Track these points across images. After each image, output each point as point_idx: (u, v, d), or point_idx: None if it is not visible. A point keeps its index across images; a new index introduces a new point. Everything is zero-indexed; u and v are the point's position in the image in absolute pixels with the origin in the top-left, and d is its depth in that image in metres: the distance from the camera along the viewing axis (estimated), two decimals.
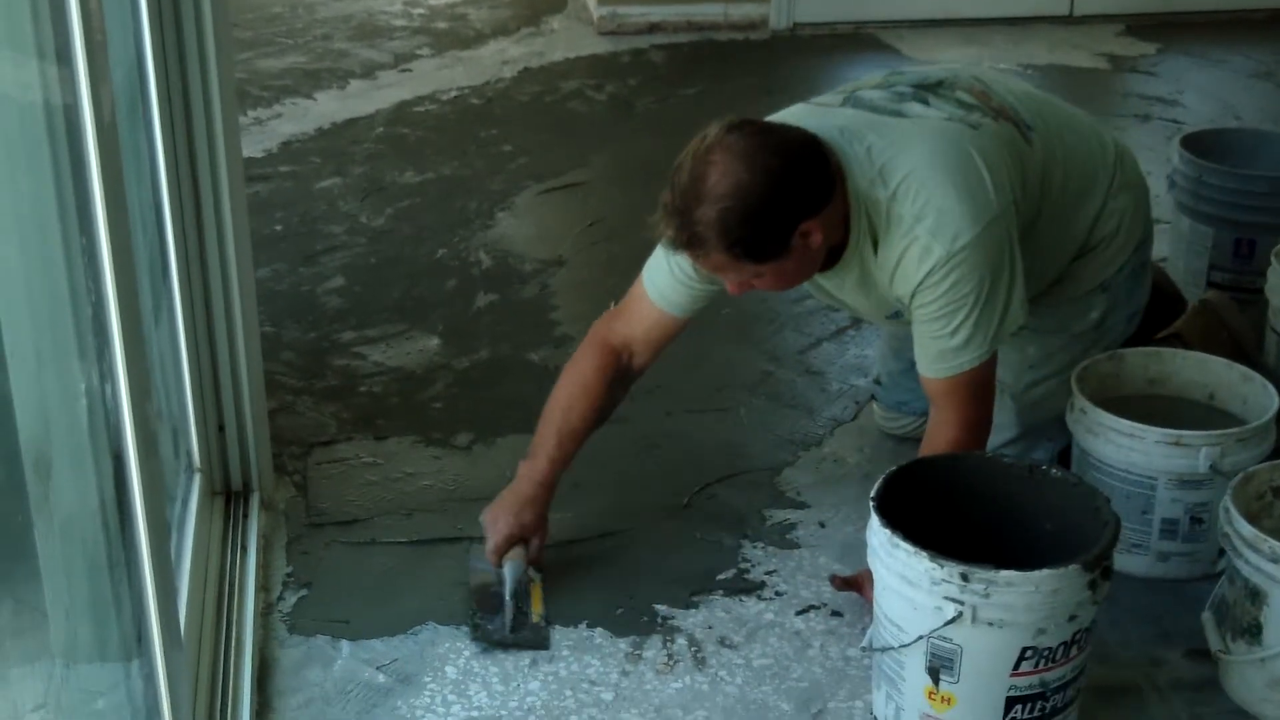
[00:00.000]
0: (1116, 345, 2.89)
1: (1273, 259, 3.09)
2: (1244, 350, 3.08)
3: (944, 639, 2.17)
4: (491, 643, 2.55)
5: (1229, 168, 3.52)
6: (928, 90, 2.64)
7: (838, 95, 2.70)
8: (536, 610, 2.62)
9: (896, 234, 2.48)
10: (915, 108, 2.60)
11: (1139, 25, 5.94)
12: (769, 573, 2.73)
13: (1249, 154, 3.64)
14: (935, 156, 2.50)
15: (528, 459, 2.72)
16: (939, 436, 2.58)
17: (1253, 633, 2.35)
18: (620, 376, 2.76)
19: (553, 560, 2.76)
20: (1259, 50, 5.69)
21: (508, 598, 2.59)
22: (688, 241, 2.39)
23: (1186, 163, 3.56)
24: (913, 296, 2.52)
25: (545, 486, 2.69)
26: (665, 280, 2.68)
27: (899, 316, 2.65)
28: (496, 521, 2.66)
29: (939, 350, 2.54)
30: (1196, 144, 3.62)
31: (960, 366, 2.53)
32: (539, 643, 2.56)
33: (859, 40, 5.81)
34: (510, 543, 2.64)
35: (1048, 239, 2.71)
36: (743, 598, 2.67)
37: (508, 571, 2.61)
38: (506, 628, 2.57)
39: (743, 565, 2.76)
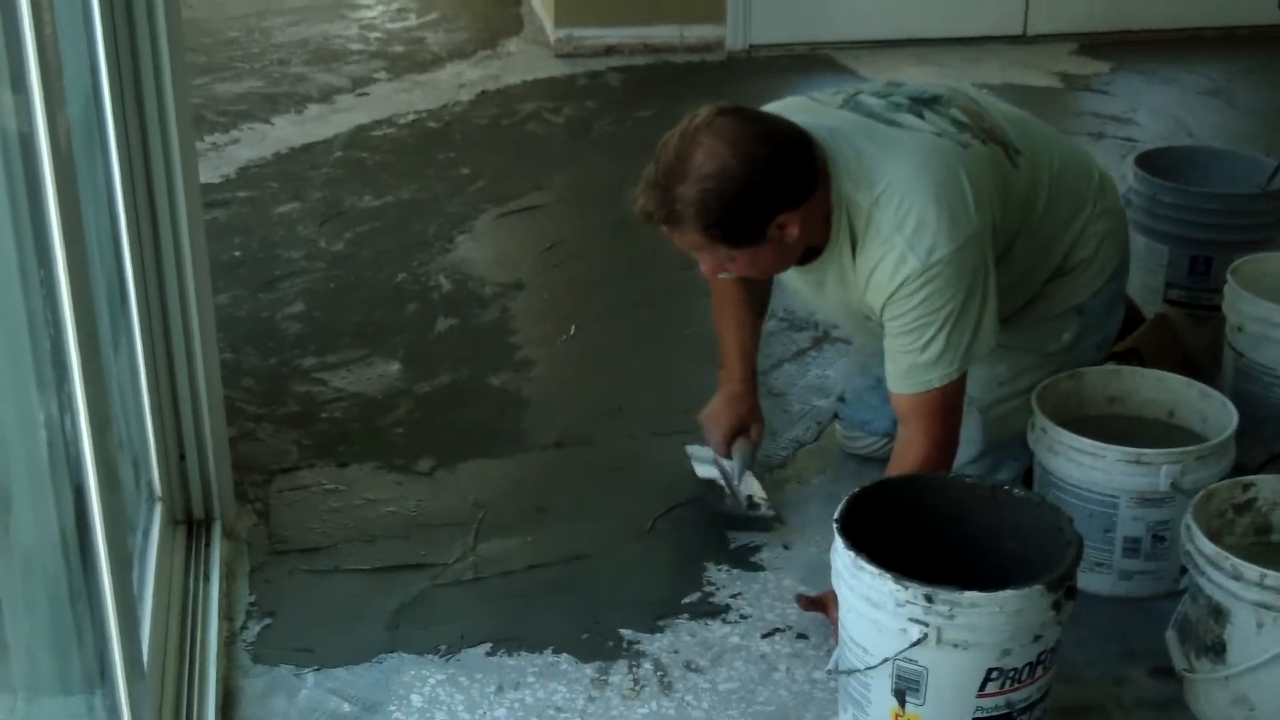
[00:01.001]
0: None
1: (1228, 276, 3.11)
2: (1196, 367, 3.10)
3: (909, 661, 2.17)
4: (730, 518, 2.85)
5: (1183, 185, 3.54)
6: (924, 105, 2.67)
7: (837, 96, 2.72)
8: (761, 495, 2.90)
9: (875, 240, 2.50)
10: (910, 119, 2.62)
11: (1092, 44, 5.99)
12: (734, 596, 2.73)
13: (1202, 171, 3.67)
14: (922, 169, 2.52)
15: (723, 368, 2.98)
16: (907, 454, 2.59)
17: (1216, 651, 2.36)
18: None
19: (517, 585, 2.76)
20: (1210, 68, 5.74)
21: (736, 483, 2.88)
22: (665, 217, 2.42)
23: (1141, 181, 3.58)
24: (884, 308, 2.53)
25: (747, 383, 2.95)
26: None
27: (862, 323, 2.66)
28: (719, 418, 2.93)
29: (909, 365, 2.55)
30: (1150, 162, 3.64)
31: (929, 383, 2.54)
32: (770, 523, 2.85)
33: (814, 61, 5.83)
34: (734, 433, 2.91)
35: (1025, 259, 2.73)
36: (708, 621, 2.66)
37: (736, 459, 2.89)
38: (743, 506, 2.86)
39: (708, 588, 2.75)
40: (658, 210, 2.41)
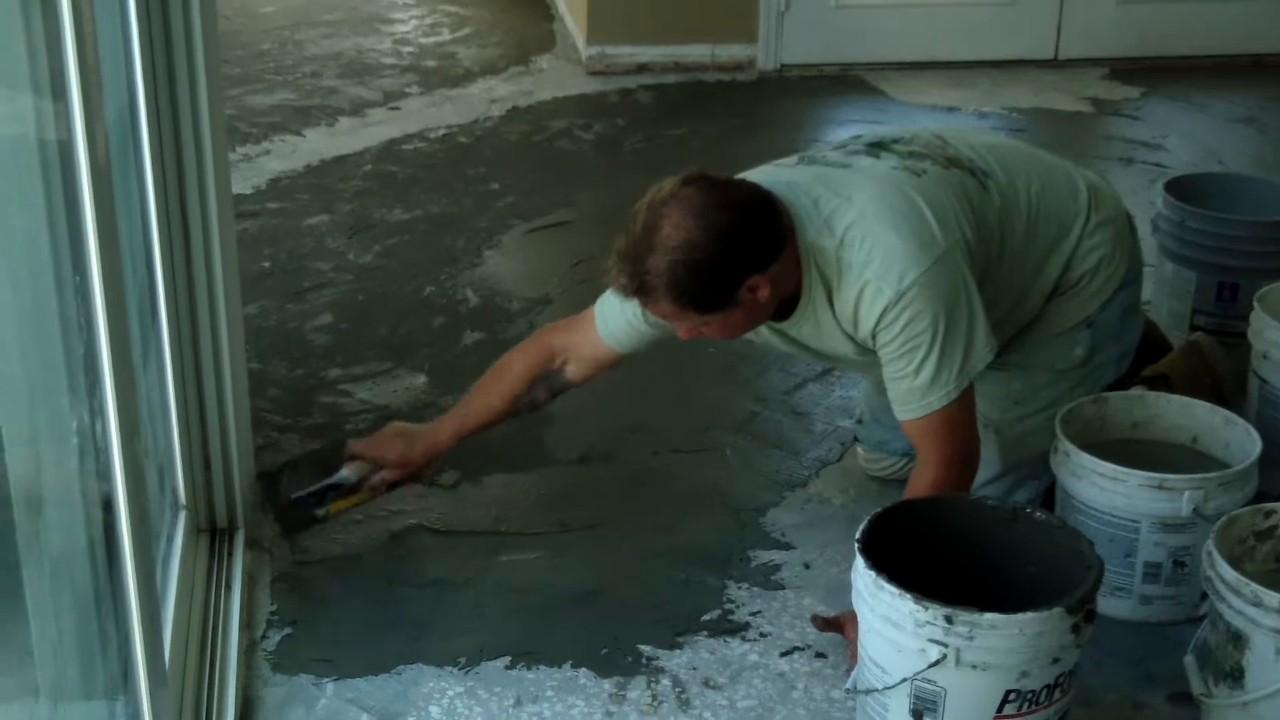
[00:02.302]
0: (1106, 386, 2.91)
1: (1255, 303, 3.11)
2: (1224, 395, 3.10)
3: (928, 681, 2.17)
4: (272, 500, 2.89)
5: (1212, 212, 3.54)
6: (880, 147, 2.73)
7: (795, 156, 2.79)
8: (332, 509, 2.89)
9: (849, 280, 2.54)
10: (863, 160, 2.68)
11: (1123, 69, 5.99)
12: (754, 614, 2.74)
13: (1231, 198, 3.67)
14: (878, 202, 2.56)
15: (448, 413, 3.00)
16: (921, 477, 2.61)
17: (1235, 676, 2.35)
18: (546, 379, 2.92)
19: (537, 599, 2.77)
20: (1242, 95, 5.73)
21: (319, 484, 2.91)
22: (637, 289, 2.47)
23: (1170, 207, 3.58)
24: (874, 340, 2.57)
25: (434, 443, 2.96)
26: (615, 318, 2.79)
27: (866, 354, 2.68)
28: (380, 439, 2.97)
29: (907, 390, 2.57)
30: (1180, 188, 3.64)
31: (930, 406, 2.56)
32: (295, 525, 2.86)
33: (845, 82, 5.84)
34: (364, 455, 2.96)
35: (1014, 280, 2.75)
36: (727, 638, 2.67)
37: (343, 470, 2.93)
38: (286, 494, 2.89)
39: (727, 606, 2.76)
40: (630, 283, 2.47)
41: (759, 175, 2.68)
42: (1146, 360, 3.08)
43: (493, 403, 2.93)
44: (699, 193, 2.45)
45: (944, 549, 2.36)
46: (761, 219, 2.49)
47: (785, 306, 2.62)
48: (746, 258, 2.46)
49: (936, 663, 2.14)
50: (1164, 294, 3.62)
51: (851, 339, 2.62)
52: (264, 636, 2.65)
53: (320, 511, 2.87)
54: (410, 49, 6.19)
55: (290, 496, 2.84)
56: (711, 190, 2.46)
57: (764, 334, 2.74)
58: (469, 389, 2.99)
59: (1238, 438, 2.76)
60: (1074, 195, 2.82)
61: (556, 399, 2.97)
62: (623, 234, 2.47)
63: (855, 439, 3.23)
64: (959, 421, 2.60)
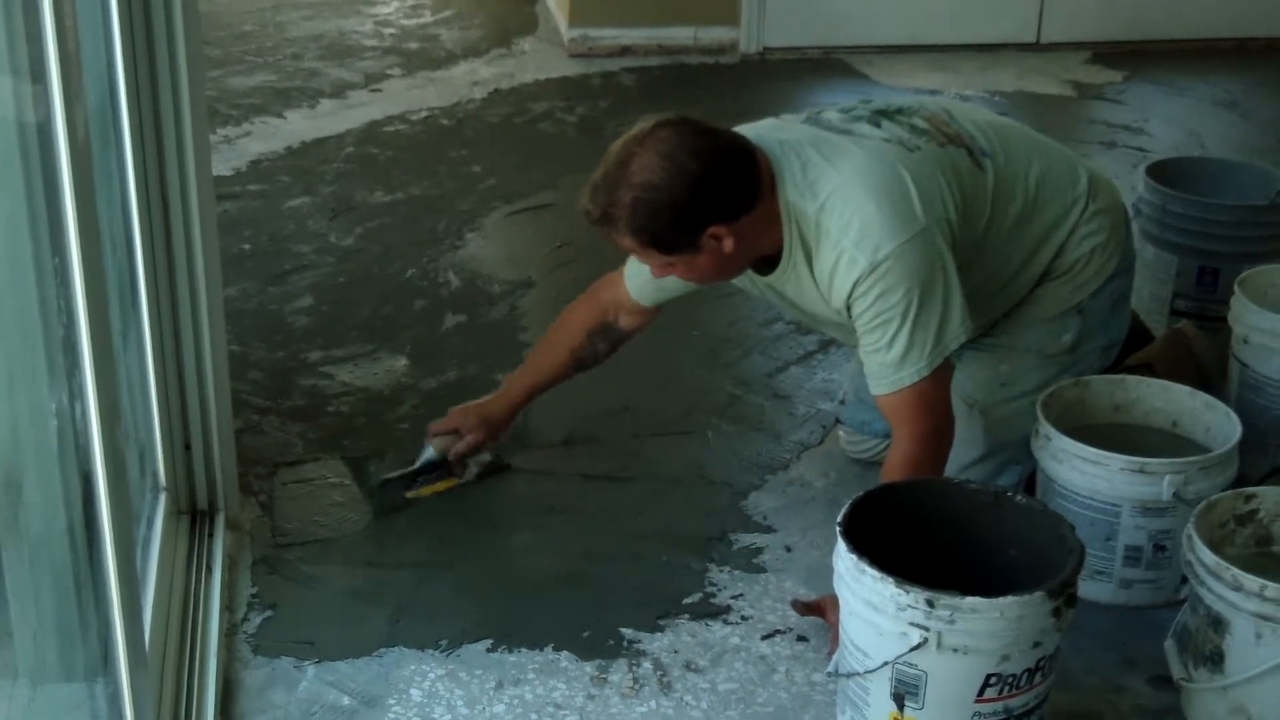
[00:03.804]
0: (1091, 375, 2.91)
1: (1236, 287, 3.12)
2: (1208, 382, 3.10)
3: (909, 665, 2.17)
4: (362, 485, 2.98)
5: (1194, 196, 3.54)
6: (884, 115, 2.72)
7: (802, 114, 2.79)
8: (424, 493, 2.94)
9: (826, 246, 2.55)
10: (863, 128, 2.68)
11: (1106, 53, 5.99)
12: (735, 597, 2.74)
13: (1214, 183, 3.67)
14: (864, 173, 2.57)
15: (508, 377, 3.09)
16: (894, 453, 2.62)
17: (1214, 660, 2.36)
18: (604, 332, 3.00)
19: (519, 582, 2.77)
20: (1225, 79, 5.74)
21: (409, 468, 2.99)
22: (600, 218, 2.52)
23: (1152, 191, 3.58)
24: (848, 310, 2.57)
25: (508, 403, 3.05)
26: (640, 273, 2.83)
27: (846, 318, 2.69)
28: (457, 414, 3.03)
29: (880, 364, 2.58)
30: (1162, 172, 3.65)
31: (902, 381, 2.57)
32: (383, 510, 2.92)
33: (828, 65, 5.84)
34: (445, 430, 3.02)
35: (1004, 261, 2.76)
36: (709, 622, 2.67)
37: (427, 448, 3.01)
38: (375, 478, 2.97)
39: (709, 589, 2.76)
40: (594, 210, 2.51)
41: (757, 128, 2.69)
42: (1129, 349, 3.09)
43: (558, 357, 3.02)
44: (675, 135, 2.48)
45: (926, 533, 2.36)
46: (733, 171, 2.50)
47: (770, 261, 2.63)
48: (710, 206, 2.48)
49: (918, 646, 2.15)
50: (1145, 278, 3.62)
51: (829, 304, 2.63)
52: (245, 619, 2.65)
53: (410, 493, 2.93)
54: (392, 31, 6.17)
55: (380, 479, 2.96)
56: (687, 135, 2.49)
57: (759, 286, 2.76)
58: (536, 344, 3.08)
59: (1218, 422, 2.77)
60: (1074, 183, 2.82)
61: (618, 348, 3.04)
62: (600, 165, 2.52)
63: (837, 420, 3.23)
64: (932, 398, 2.60)
